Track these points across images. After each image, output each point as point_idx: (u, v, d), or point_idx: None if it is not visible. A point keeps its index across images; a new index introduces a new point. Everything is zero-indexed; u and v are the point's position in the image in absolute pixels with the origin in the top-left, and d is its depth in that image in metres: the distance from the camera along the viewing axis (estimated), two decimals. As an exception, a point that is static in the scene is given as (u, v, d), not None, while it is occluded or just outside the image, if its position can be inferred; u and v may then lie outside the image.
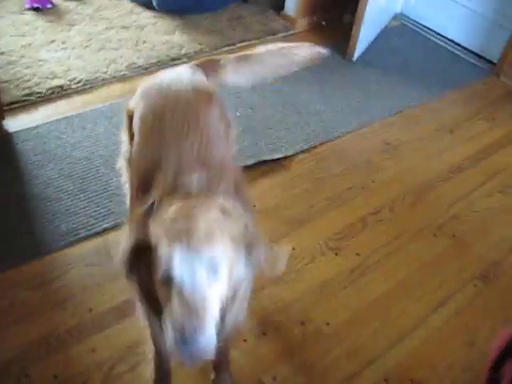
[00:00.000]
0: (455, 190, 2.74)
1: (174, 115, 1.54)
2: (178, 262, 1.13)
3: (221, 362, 1.81)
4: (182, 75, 1.74)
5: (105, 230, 2.29)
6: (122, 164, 1.90)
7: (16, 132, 2.74)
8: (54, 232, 2.27)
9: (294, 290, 2.17)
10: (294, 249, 2.32)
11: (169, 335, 1.13)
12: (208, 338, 1.12)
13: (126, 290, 2.06)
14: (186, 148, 1.47)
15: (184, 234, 1.14)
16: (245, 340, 1.99)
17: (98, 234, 2.29)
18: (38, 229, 2.29)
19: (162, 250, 1.15)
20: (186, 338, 1.10)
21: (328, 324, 2.06)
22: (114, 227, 2.30)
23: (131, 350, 1.92)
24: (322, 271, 2.25)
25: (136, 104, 1.68)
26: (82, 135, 2.75)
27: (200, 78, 1.76)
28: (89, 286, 2.11)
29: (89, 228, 2.30)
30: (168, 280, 1.14)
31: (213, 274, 1.16)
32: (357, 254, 2.34)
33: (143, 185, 1.43)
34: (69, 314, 2.02)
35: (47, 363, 1.87)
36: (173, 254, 1.13)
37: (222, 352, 1.74)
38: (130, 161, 1.71)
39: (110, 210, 2.37)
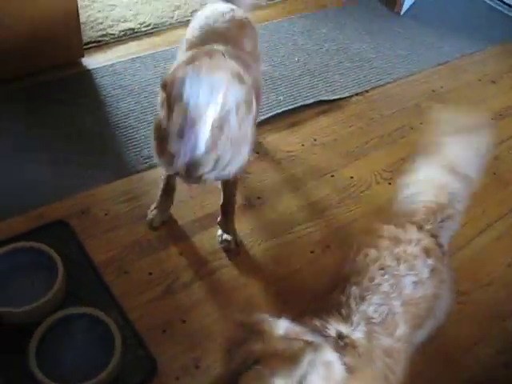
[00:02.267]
0: (497, 134, 2.97)
1: (215, 30, 2.00)
2: (188, 84, 1.49)
3: (227, 203, 2.19)
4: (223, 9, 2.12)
5: (183, 155, 2.56)
6: None
7: (94, 69, 2.99)
8: (137, 155, 2.55)
9: (353, 212, 2.45)
10: (352, 177, 2.59)
11: (170, 136, 1.53)
12: (201, 135, 1.48)
13: (205, 206, 2.38)
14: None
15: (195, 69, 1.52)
16: (312, 252, 2.27)
17: (177, 158, 2.56)
18: (123, 152, 2.56)
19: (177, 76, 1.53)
20: (183, 132, 1.48)
21: (384, 241, 2.33)
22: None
23: (213, 255, 2.22)
24: (377, 197, 2.52)
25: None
26: (155, 73, 3.00)
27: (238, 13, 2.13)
28: (174, 202, 2.39)
29: (168, 153, 2.57)
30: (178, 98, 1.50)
31: (211, 95, 1.50)
32: (408, 185, 2.59)
33: None
34: (157, 224, 2.31)
35: (142, 263, 2.16)
36: (185, 79, 1.50)
37: (228, 192, 2.15)
38: None
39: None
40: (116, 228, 2.28)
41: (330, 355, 1.07)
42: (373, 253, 1.48)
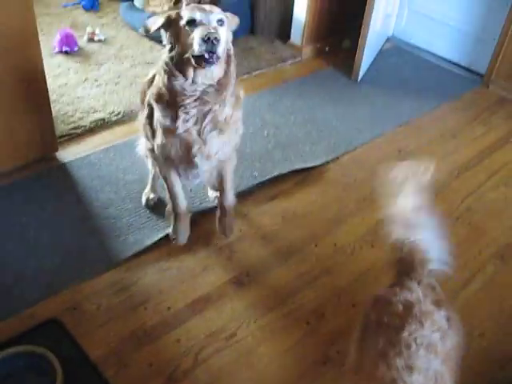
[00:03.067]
0: (465, 185, 3.11)
1: None
2: (198, 15, 1.95)
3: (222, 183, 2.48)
4: None
5: (168, 239, 2.58)
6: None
7: (70, 162, 3.03)
8: (122, 244, 2.56)
9: (343, 277, 2.49)
10: (335, 244, 2.65)
11: (196, 44, 1.91)
12: (221, 44, 1.92)
13: (196, 288, 2.39)
14: None
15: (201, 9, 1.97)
16: (308, 322, 2.29)
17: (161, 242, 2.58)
18: (108, 243, 2.57)
19: (187, 13, 1.96)
20: (209, 39, 1.89)
21: (376, 304, 2.37)
22: (175, 237, 2.61)
23: (210, 338, 2.21)
24: (364, 261, 2.58)
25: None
26: (130, 160, 3.05)
27: None
28: (164, 288, 2.40)
29: (153, 237, 2.59)
30: (190, 23, 1.94)
31: (221, 23, 1.99)
32: (390, 245, 2.67)
33: None
34: (150, 312, 2.30)
35: (140, 354, 2.14)
36: (195, 12, 1.95)
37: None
38: None
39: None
40: (110, 321, 2.26)
41: None
42: (395, 320, 1.55)
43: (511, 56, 3.90)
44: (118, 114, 3.40)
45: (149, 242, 2.58)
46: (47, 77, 2.86)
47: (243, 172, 2.98)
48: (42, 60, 2.76)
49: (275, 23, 4.45)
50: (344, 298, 2.41)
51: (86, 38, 4.21)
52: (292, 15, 4.26)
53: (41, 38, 2.74)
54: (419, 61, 4.43)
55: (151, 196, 2.80)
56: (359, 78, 3.99)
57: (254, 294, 2.40)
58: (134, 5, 4.61)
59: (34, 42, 2.66)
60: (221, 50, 1.95)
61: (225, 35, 2.00)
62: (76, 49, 4.03)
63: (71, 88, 3.62)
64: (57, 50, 3.98)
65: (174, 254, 2.54)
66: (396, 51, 4.54)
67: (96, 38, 4.20)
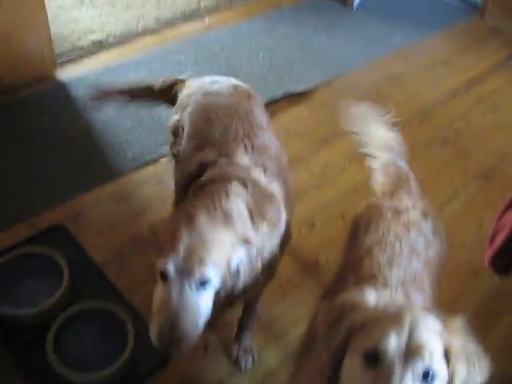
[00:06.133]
0: (453, 111, 3.21)
1: (219, 109, 1.82)
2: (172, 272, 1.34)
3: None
4: (222, 79, 2.02)
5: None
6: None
7: (69, 81, 3.09)
8: (122, 158, 2.67)
9: (333, 192, 2.62)
10: (327, 163, 2.76)
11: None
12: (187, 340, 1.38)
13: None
14: (231, 132, 1.75)
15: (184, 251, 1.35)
16: (299, 230, 2.43)
17: (160, 157, 2.67)
18: (109, 156, 2.68)
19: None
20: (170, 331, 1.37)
21: (363, 217, 2.50)
22: (173, 153, 2.70)
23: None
24: (353, 177, 2.69)
25: (183, 105, 1.94)
26: (127, 81, 3.10)
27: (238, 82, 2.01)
28: (163, 199, 2.48)
29: (152, 153, 2.69)
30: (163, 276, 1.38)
31: (202, 289, 1.38)
32: (379, 162, 2.78)
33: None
34: (149, 221, 2.42)
35: (140, 258, 2.26)
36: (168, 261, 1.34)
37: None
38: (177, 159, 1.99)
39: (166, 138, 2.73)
40: (111, 228, 2.38)
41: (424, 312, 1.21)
42: (383, 224, 1.63)
43: (507, -14, 3.93)
44: (115, 36, 3.42)
45: (148, 157, 2.68)
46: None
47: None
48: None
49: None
50: (334, 210, 2.54)
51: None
52: None
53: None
54: (414, -10, 4.44)
55: None
56: (354, 5, 4.02)
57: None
58: None
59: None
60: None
61: (206, 303, 1.41)
62: (71, -29, 4.00)
63: (67, 9, 3.62)
64: (52, -29, 3.95)
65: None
66: (392, -20, 4.54)
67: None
